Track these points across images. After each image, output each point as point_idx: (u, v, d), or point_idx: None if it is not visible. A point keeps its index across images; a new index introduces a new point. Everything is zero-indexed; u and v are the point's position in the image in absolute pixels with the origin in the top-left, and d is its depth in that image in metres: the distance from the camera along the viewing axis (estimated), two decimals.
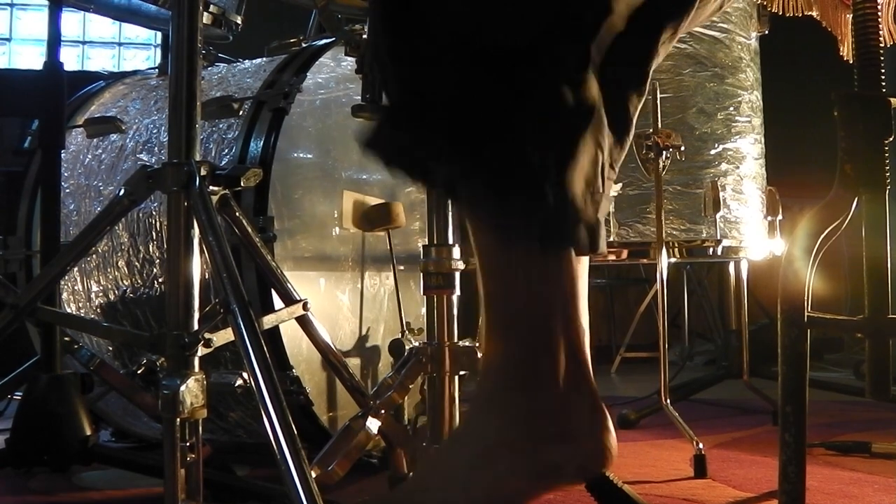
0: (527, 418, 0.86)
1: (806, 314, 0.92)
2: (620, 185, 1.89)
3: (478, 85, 0.79)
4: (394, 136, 0.83)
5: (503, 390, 0.87)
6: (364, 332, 1.76)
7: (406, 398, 1.34)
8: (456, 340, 1.33)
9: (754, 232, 2.08)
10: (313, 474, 0.89)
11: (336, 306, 1.71)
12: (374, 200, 1.73)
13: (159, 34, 3.78)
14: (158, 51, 4.22)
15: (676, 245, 1.97)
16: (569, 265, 0.84)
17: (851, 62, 0.99)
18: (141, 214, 1.63)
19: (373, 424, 1.25)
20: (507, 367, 0.87)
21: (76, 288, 1.73)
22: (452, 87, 0.80)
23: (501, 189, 0.80)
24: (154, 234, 1.62)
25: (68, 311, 1.71)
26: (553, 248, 0.83)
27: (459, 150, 0.80)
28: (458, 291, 1.33)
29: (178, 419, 0.96)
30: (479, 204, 0.84)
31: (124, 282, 1.66)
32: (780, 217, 2.11)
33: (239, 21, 1.79)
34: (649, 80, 0.93)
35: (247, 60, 1.90)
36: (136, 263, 1.64)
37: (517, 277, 0.85)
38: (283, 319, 1.23)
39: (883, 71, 0.95)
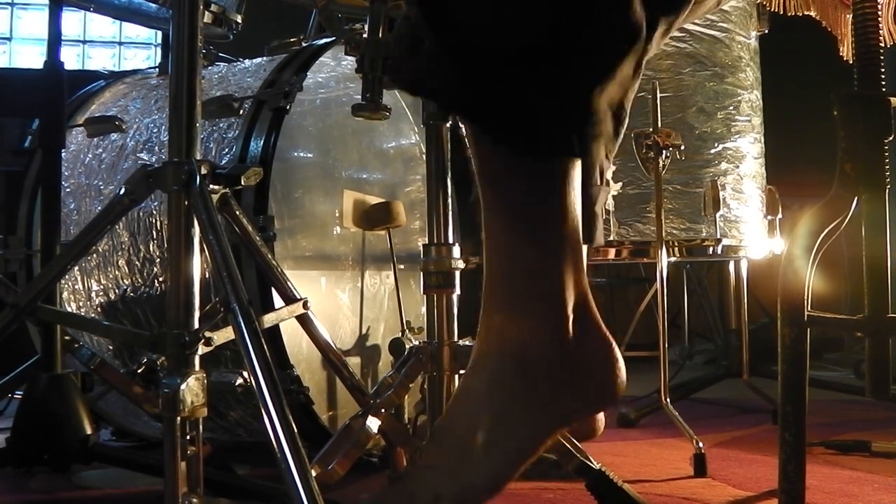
0: (536, 371, 0.85)
1: (806, 313, 0.92)
2: (620, 184, 1.89)
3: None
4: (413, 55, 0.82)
5: (510, 313, 0.86)
6: (364, 331, 1.76)
7: (406, 397, 1.34)
8: (456, 339, 1.33)
9: (754, 231, 2.08)
10: (313, 473, 0.89)
11: (336, 305, 1.72)
12: (374, 199, 1.73)
13: (160, 33, 3.78)
14: (159, 50, 4.22)
15: (676, 244, 1.97)
16: (574, 176, 0.83)
17: (851, 62, 0.99)
18: (141, 213, 1.63)
19: (373, 423, 1.25)
20: (512, 293, 0.86)
21: (76, 287, 1.73)
22: None
23: (513, 96, 0.79)
24: (154, 233, 1.62)
25: (69, 310, 1.71)
26: (565, 154, 0.82)
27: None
28: (458, 290, 1.33)
29: (179, 418, 0.96)
30: (490, 111, 0.82)
31: (125, 281, 1.66)
32: (779, 216, 2.12)
33: (239, 20, 1.79)
34: (641, 73, 0.93)
35: (247, 60, 1.90)
36: (137, 262, 1.64)
37: (519, 195, 0.83)
38: (283, 318, 1.23)
39: (883, 71, 0.95)
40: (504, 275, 0.88)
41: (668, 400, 1.66)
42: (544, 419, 0.86)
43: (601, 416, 0.89)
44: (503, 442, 0.86)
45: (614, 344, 0.88)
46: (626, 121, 0.90)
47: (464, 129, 0.91)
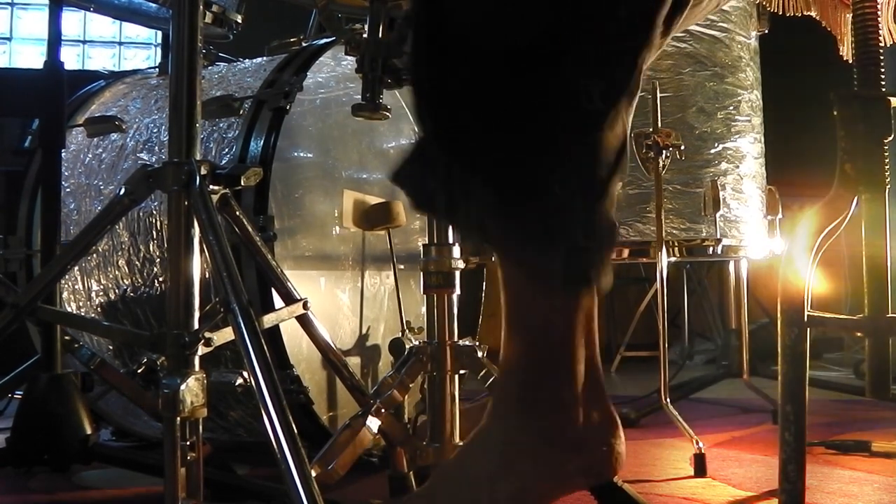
0: (548, 427, 0.87)
1: (806, 313, 0.92)
2: (620, 184, 1.89)
3: (511, 114, 0.81)
4: (423, 175, 0.85)
5: (524, 398, 0.89)
6: (364, 331, 1.76)
7: (406, 397, 1.34)
8: (456, 339, 1.33)
9: (754, 231, 2.08)
10: (313, 473, 0.89)
11: (336, 305, 1.72)
12: (374, 199, 1.73)
13: (160, 33, 3.78)
14: (159, 50, 4.22)
15: (676, 244, 1.97)
16: (592, 296, 0.87)
17: (851, 62, 0.99)
18: (141, 213, 1.63)
19: (373, 423, 1.25)
20: (527, 375, 0.89)
21: (76, 287, 1.73)
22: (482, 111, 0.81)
23: (532, 230, 0.83)
24: (154, 233, 1.62)
25: (69, 310, 1.71)
26: (582, 287, 0.86)
27: (490, 189, 0.82)
28: (458, 290, 1.33)
29: (179, 418, 0.96)
30: (508, 243, 0.86)
31: (125, 281, 1.66)
32: (779, 216, 2.12)
33: (239, 20, 1.79)
34: (642, 77, 0.94)
35: (247, 60, 1.90)
36: (137, 262, 1.64)
37: (541, 304, 0.87)
38: (283, 318, 1.23)
39: (883, 71, 0.95)
40: (519, 364, 0.90)
41: (668, 400, 1.66)
42: (545, 475, 0.89)
43: (622, 451, 0.93)
44: (505, 486, 0.88)
45: (620, 425, 0.91)
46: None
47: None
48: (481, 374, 1.32)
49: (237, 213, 1.14)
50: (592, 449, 0.89)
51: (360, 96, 1.29)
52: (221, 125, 1.64)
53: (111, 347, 1.71)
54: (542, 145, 0.81)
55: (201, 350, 1.00)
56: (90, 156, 1.81)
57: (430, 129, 0.85)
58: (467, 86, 0.81)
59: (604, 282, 0.87)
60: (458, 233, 1.08)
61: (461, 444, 1.28)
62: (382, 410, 1.26)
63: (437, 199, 0.85)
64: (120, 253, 1.66)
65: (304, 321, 1.24)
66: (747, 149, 2.07)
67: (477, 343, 1.33)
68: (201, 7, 1.09)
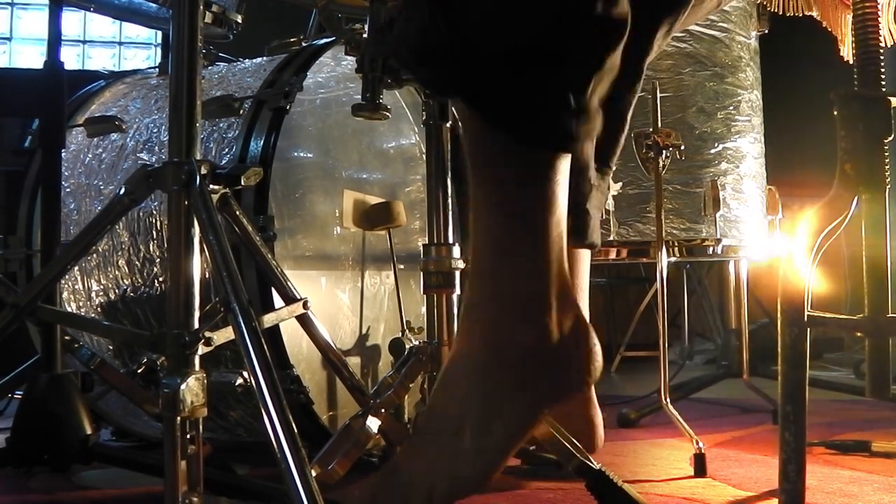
0: (523, 354, 0.87)
1: (806, 313, 0.92)
2: (620, 184, 1.89)
3: None
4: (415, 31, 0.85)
5: (496, 319, 0.88)
6: (364, 331, 1.76)
7: (406, 397, 1.34)
8: None
9: (754, 231, 2.08)
10: (313, 473, 0.89)
11: (336, 305, 1.72)
12: (374, 199, 1.73)
13: (160, 33, 3.79)
14: (159, 50, 4.22)
15: (676, 244, 1.97)
16: (562, 170, 0.86)
17: (851, 62, 0.99)
18: (141, 213, 1.63)
19: (373, 423, 1.25)
20: (500, 274, 0.89)
21: (76, 287, 1.73)
22: None
23: (524, 86, 0.82)
24: (154, 233, 1.62)
25: (68, 310, 1.71)
26: (567, 145, 0.85)
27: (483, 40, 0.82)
28: (458, 290, 1.33)
29: (179, 418, 0.96)
30: (492, 98, 0.84)
31: (125, 281, 1.66)
32: (779, 216, 2.12)
33: (239, 20, 1.79)
34: (643, 75, 0.94)
35: (247, 60, 1.90)
36: (137, 262, 1.64)
37: (510, 181, 0.86)
38: (283, 318, 1.23)
39: (883, 71, 0.95)
40: (488, 261, 0.89)
41: (668, 400, 1.66)
42: (525, 405, 0.88)
43: (600, 429, 0.93)
44: (488, 431, 0.88)
45: (591, 330, 0.91)
46: (626, 126, 0.91)
47: (458, 115, 0.93)
48: None
49: (237, 212, 1.14)
50: (570, 363, 0.88)
51: (360, 96, 1.29)
52: (221, 125, 1.64)
53: (111, 347, 1.71)
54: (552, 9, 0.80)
55: (201, 350, 1.00)
56: (90, 156, 1.81)
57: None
58: None
59: (585, 151, 0.86)
60: (435, 86, 1.04)
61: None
62: (382, 410, 1.26)
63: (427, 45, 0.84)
64: (120, 253, 1.66)
65: (304, 321, 1.24)
66: (747, 149, 2.07)
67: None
68: (201, 7, 1.09)
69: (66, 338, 1.36)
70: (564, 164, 0.86)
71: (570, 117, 0.83)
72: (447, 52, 0.84)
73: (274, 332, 1.45)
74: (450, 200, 1.35)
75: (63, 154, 1.55)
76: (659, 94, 1.75)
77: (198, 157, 1.05)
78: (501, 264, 0.89)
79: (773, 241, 2.11)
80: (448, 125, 1.36)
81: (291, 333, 1.47)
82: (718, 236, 1.94)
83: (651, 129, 1.74)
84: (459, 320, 0.94)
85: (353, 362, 1.71)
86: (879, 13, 0.97)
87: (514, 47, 0.81)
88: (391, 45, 0.91)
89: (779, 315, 0.93)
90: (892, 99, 0.94)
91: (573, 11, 0.81)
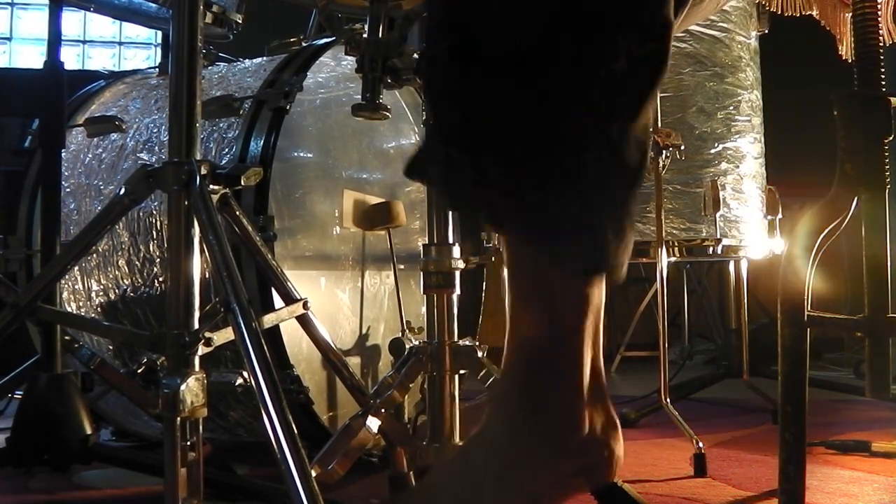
0: (552, 434, 0.87)
1: (806, 313, 0.92)
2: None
3: (536, 105, 0.80)
4: (439, 163, 0.84)
5: (528, 398, 0.89)
6: (364, 331, 1.76)
7: (406, 397, 1.34)
8: (456, 339, 1.33)
9: (754, 231, 2.08)
10: (313, 473, 0.89)
11: (336, 305, 1.72)
12: (374, 199, 1.73)
13: (160, 33, 3.78)
14: (159, 50, 4.22)
15: (676, 244, 1.97)
16: (601, 288, 0.87)
17: (851, 62, 0.99)
18: (141, 213, 1.63)
19: (373, 423, 1.25)
20: (532, 369, 0.89)
21: (76, 287, 1.73)
22: (507, 99, 0.80)
23: (557, 214, 0.82)
24: (154, 233, 1.62)
25: (69, 310, 1.71)
26: (597, 276, 0.86)
27: (509, 172, 0.81)
28: (458, 290, 1.33)
29: (179, 418, 0.96)
30: (527, 224, 0.84)
31: (125, 281, 1.66)
32: (779, 216, 2.12)
33: (239, 20, 1.79)
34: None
35: (247, 60, 1.90)
36: (137, 262, 1.64)
37: (555, 287, 0.87)
38: (283, 318, 1.23)
39: (883, 71, 0.95)
40: (526, 333, 0.90)
41: (668, 400, 1.66)
42: (548, 479, 0.88)
43: (621, 454, 0.93)
44: (509, 489, 0.88)
45: (619, 427, 0.90)
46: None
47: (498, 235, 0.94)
48: (481, 374, 1.32)
49: (237, 213, 1.14)
50: (594, 453, 0.88)
51: (360, 96, 1.29)
52: (221, 125, 1.64)
53: (111, 347, 1.71)
54: (574, 130, 0.80)
55: (201, 350, 1.00)
56: (90, 156, 1.81)
57: (450, 118, 0.83)
58: (490, 77, 0.80)
59: (620, 273, 0.86)
60: (465, 210, 1.05)
61: (461, 443, 1.28)
62: (382, 410, 1.26)
63: (451, 177, 0.83)
64: (120, 253, 1.66)
65: (304, 321, 1.24)
66: (747, 149, 2.07)
67: (477, 343, 1.34)
68: (201, 7, 1.09)
69: (66, 338, 1.36)
70: (602, 288, 0.87)
71: (611, 241, 0.84)
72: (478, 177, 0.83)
73: (274, 332, 1.45)
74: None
75: (63, 154, 1.55)
76: (659, 94, 1.75)
77: (198, 157, 1.05)
78: (536, 355, 0.89)
79: (773, 241, 2.11)
80: None
81: (291, 333, 1.47)
82: (718, 236, 1.94)
83: (651, 130, 1.74)
84: (494, 394, 0.95)
85: (353, 362, 1.71)
86: (879, 13, 0.97)
87: (561, 171, 0.81)
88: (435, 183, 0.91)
89: (779, 315, 0.93)
90: (892, 99, 0.94)
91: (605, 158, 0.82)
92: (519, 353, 0.90)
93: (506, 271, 0.90)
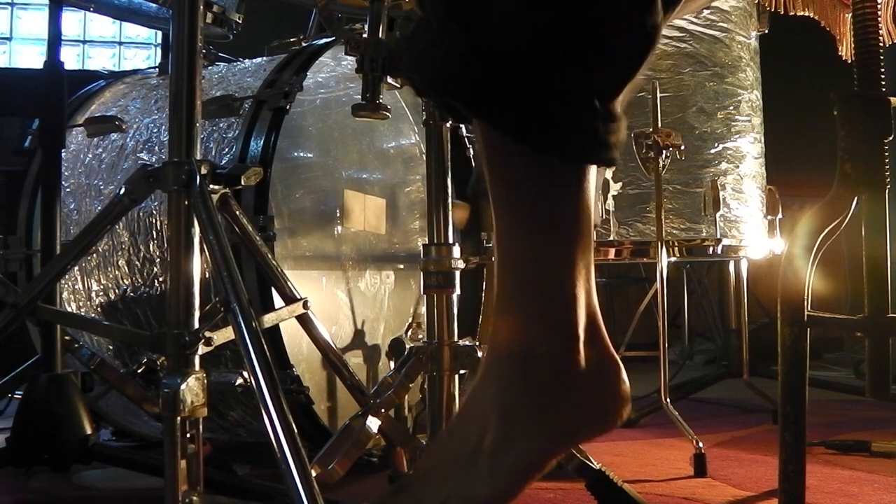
0: (547, 385, 0.84)
1: (806, 313, 0.92)
2: (620, 184, 1.89)
3: None
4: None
5: (520, 348, 0.86)
6: (364, 331, 1.76)
7: (406, 397, 1.34)
8: (456, 339, 1.33)
9: (754, 231, 2.08)
10: (314, 473, 0.89)
11: (336, 305, 1.72)
12: (374, 199, 1.73)
13: (160, 33, 3.78)
14: (159, 50, 4.22)
15: (676, 244, 1.97)
16: (589, 182, 0.82)
17: (851, 62, 0.99)
18: (141, 213, 1.63)
19: (373, 423, 1.25)
20: (523, 303, 0.85)
21: (76, 287, 1.73)
22: None
23: (551, 91, 0.77)
24: (154, 233, 1.62)
25: (69, 310, 1.71)
26: (595, 162, 0.81)
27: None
28: (458, 290, 1.33)
29: (179, 418, 0.96)
30: (514, 108, 0.79)
31: (125, 281, 1.66)
32: (779, 216, 2.12)
33: (239, 20, 1.79)
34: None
35: (247, 60, 1.90)
36: (137, 262, 1.64)
37: (547, 188, 0.82)
38: (283, 318, 1.23)
39: (883, 71, 0.96)
40: (516, 278, 0.86)
41: (668, 400, 1.66)
42: (549, 433, 0.85)
43: (627, 393, 0.88)
44: (509, 455, 0.85)
45: (622, 366, 0.87)
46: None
47: (471, 126, 0.89)
48: None
49: (237, 212, 1.14)
50: (597, 399, 0.84)
51: (360, 96, 1.29)
52: (221, 125, 1.64)
53: (111, 347, 1.71)
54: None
55: (201, 350, 1.00)
56: (90, 156, 1.81)
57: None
58: None
59: (615, 157, 0.81)
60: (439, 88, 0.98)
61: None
62: (382, 410, 1.26)
63: (432, 51, 0.78)
64: (120, 253, 1.66)
65: (304, 321, 1.25)
66: (747, 149, 2.07)
67: (477, 343, 1.33)
68: (201, 7, 1.09)
69: (66, 338, 1.36)
70: (591, 176, 0.82)
71: (605, 126, 0.78)
72: (460, 59, 0.80)
73: (274, 332, 1.45)
74: (450, 200, 1.35)
75: (63, 154, 1.55)
76: (659, 94, 1.75)
77: (198, 157, 1.05)
78: (529, 283, 0.85)
79: (773, 241, 2.11)
80: (448, 125, 1.36)
81: (291, 333, 1.47)
82: (718, 236, 1.94)
83: (651, 129, 1.74)
84: (490, 336, 0.91)
85: (353, 362, 1.71)
86: (879, 13, 0.97)
87: (537, 48, 0.77)
88: (404, 67, 0.85)
89: (779, 315, 0.93)
90: (892, 99, 0.94)
91: (605, 18, 0.78)
92: (508, 272, 0.85)
93: (489, 187, 0.84)
